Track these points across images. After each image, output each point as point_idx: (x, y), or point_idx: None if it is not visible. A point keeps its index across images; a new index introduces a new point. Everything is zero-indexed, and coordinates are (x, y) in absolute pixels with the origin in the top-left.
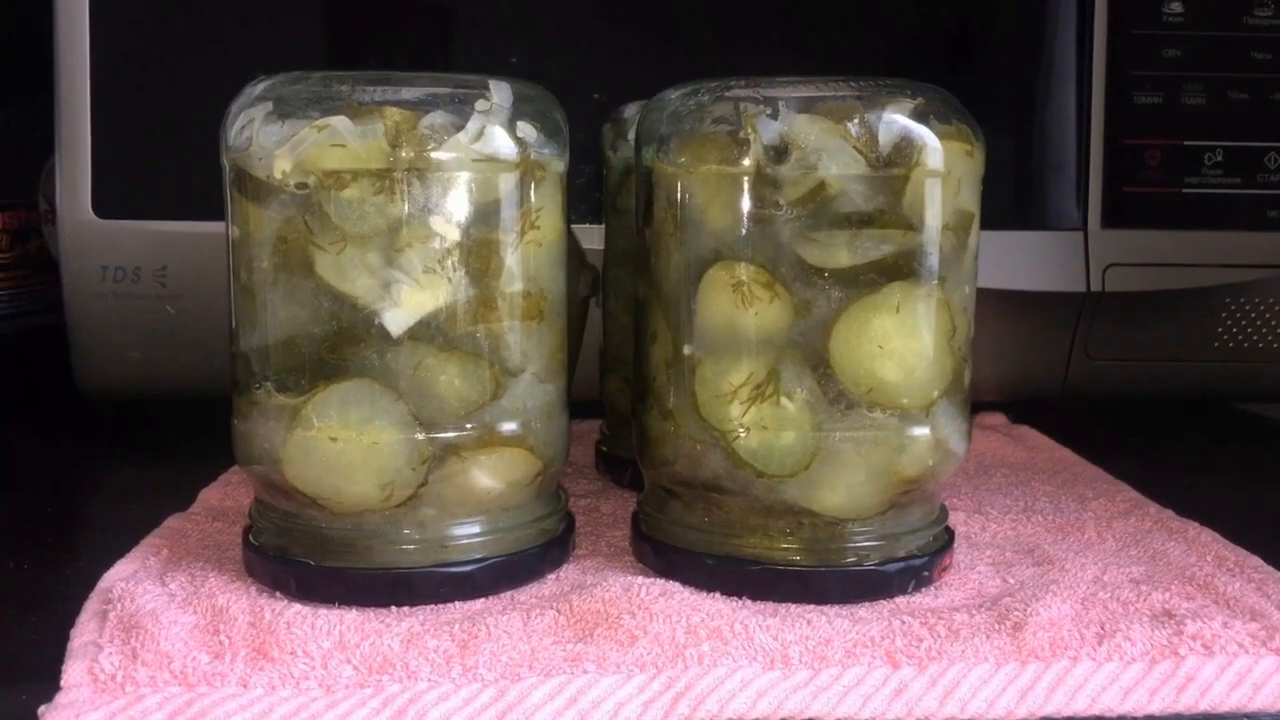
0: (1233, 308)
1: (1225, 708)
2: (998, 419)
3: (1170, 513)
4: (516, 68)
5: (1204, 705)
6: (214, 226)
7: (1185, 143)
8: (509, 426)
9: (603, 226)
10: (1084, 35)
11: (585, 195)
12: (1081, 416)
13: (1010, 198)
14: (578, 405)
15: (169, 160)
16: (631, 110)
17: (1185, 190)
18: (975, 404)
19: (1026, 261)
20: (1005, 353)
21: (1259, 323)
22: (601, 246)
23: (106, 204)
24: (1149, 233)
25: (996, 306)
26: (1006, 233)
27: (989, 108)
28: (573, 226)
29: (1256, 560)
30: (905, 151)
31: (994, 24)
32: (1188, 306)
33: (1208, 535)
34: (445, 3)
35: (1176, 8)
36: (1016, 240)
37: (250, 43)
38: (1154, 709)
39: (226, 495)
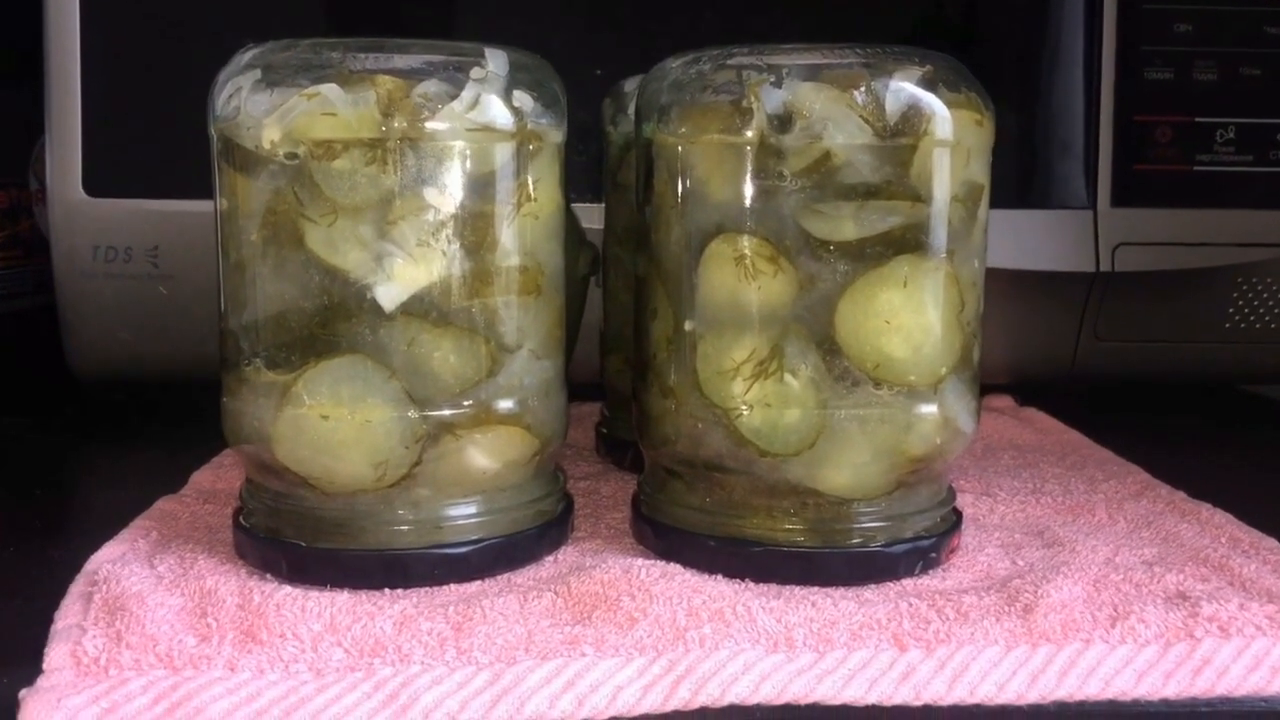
0: (1244, 287)
1: (1242, 691)
2: (1005, 401)
3: (1182, 494)
4: (515, 42)
5: (1220, 689)
6: (207, 205)
7: (1197, 120)
8: (505, 404)
9: (603, 205)
10: (1093, 10)
11: (585, 173)
12: (1090, 398)
13: (1018, 176)
14: (577, 386)
15: (160, 138)
16: (631, 84)
17: (1196, 168)
18: (982, 386)
19: (1035, 241)
20: (1013, 334)
21: (1271, 303)
22: (601, 225)
23: (97, 183)
24: (1159, 211)
25: (1004, 286)
26: (1014, 211)
27: (997, 84)
28: (572, 205)
29: (1272, 541)
30: (913, 120)
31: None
32: (1198, 286)
33: (1221, 516)
34: None
35: None
36: (1024, 219)
37: (242, 17)
38: (1169, 693)
39: (218, 477)
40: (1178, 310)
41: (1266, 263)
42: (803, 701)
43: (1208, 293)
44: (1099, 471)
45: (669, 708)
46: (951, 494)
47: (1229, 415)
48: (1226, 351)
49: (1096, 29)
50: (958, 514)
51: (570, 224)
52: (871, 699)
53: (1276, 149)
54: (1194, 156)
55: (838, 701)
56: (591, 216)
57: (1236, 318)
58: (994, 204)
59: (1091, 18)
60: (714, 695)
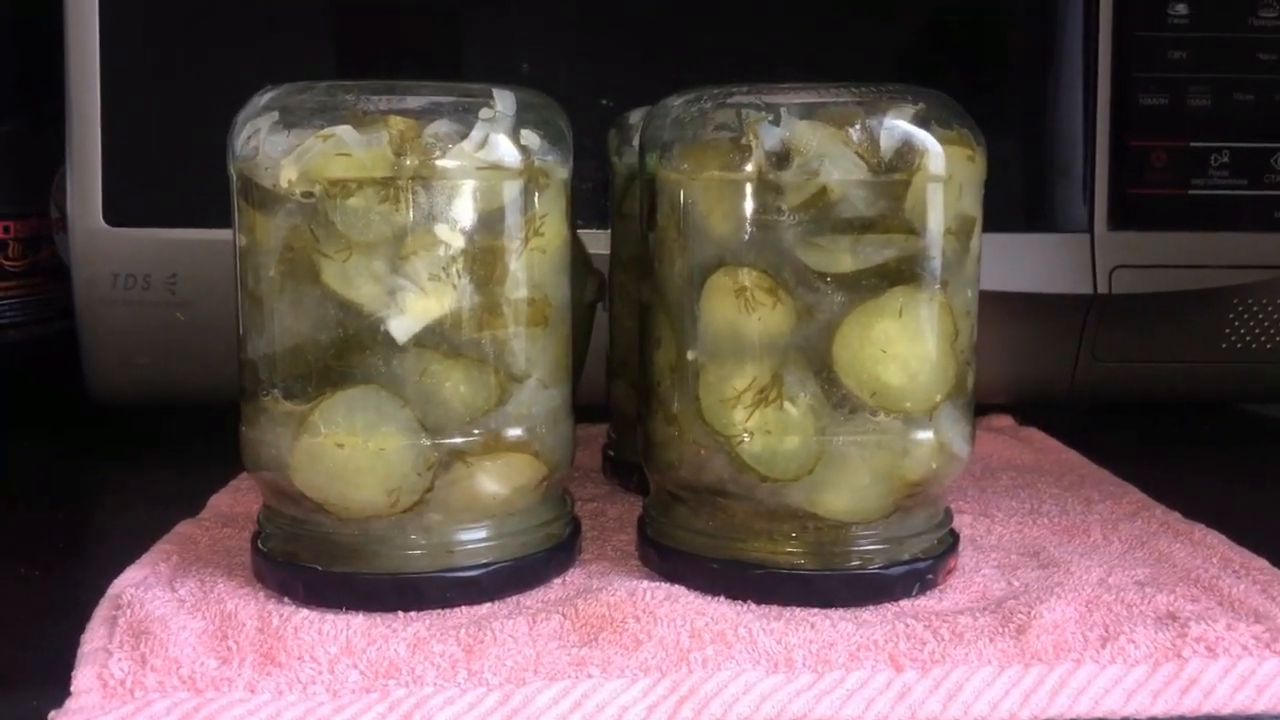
0: (1240, 309)
1: (1229, 710)
2: (1005, 421)
3: (1177, 515)
4: (527, 75)
5: (1207, 708)
6: (223, 234)
7: (1191, 144)
8: (514, 432)
9: (609, 232)
10: (1090, 38)
11: (593, 200)
12: (1089, 419)
13: (1017, 200)
14: (585, 409)
15: (178, 168)
16: (636, 116)
17: (1191, 192)
18: (983, 406)
19: (1033, 264)
20: (1012, 355)
21: (1266, 324)
22: (607, 251)
23: (117, 212)
24: (1155, 234)
25: (1004, 309)
26: (1013, 235)
27: (996, 111)
28: (579, 232)
29: (1262, 562)
30: (907, 157)
31: (1000, 28)
32: (1194, 308)
33: (1214, 537)
34: (455, 11)
35: (1182, 9)
36: (1023, 243)
37: (260, 53)
38: (1157, 712)
39: (236, 501)
40: (1175, 331)
41: (1262, 284)
42: None
43: (1204, 314)
44: (1095, 492)
45: None
46: (949, 516)
47: (1228, 434)
48: (1224, 371)
49: (1093, 56)
50: (955, 536)
51: (577, 252)
52: (868, 718)
53: (1270, 172)
54: (1189, 180)
55: None
56: (598, 243)
57: (1233, 338)
58: (994, 228)
59: (1088, 45)
60: (716, 715)
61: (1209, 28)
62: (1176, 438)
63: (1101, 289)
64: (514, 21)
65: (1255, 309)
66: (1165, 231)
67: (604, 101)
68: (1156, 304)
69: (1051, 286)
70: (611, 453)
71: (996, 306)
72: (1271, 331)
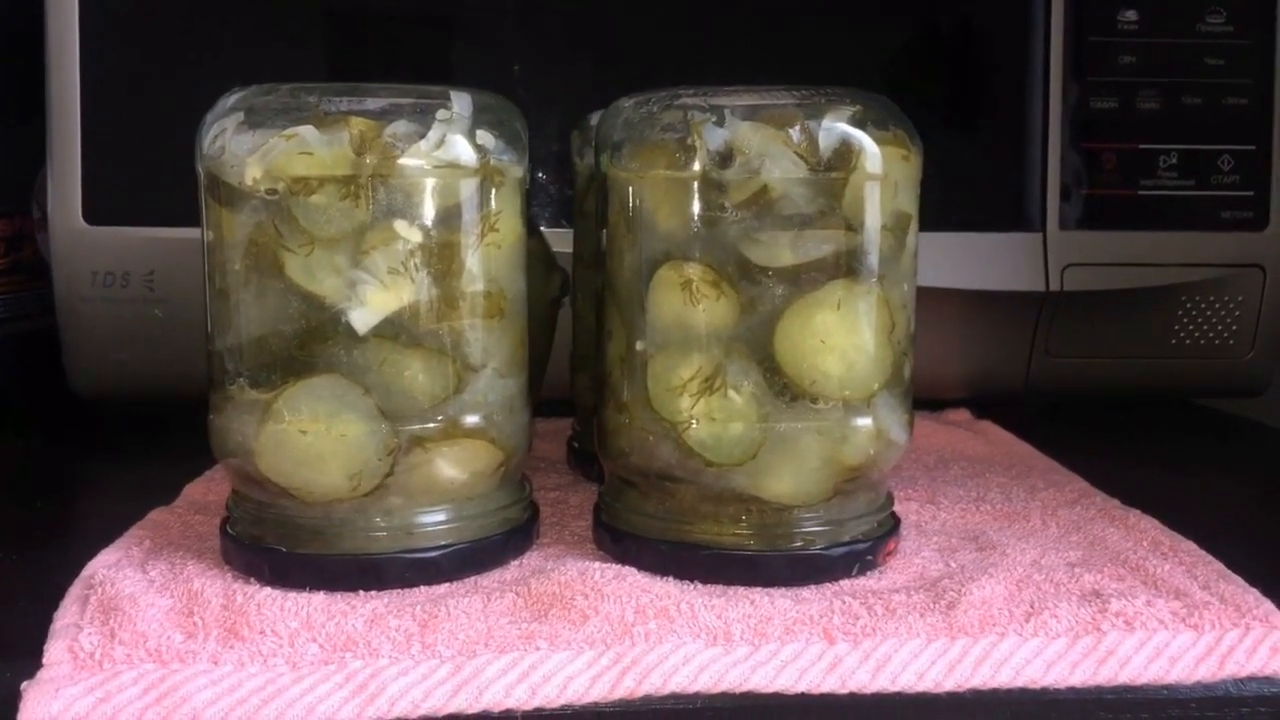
0: (1188, 305)
1: (1143, 680)
2: (962, 415)
3: (1115, 501)
4: (501, 79)
5: (1123, 678)
6: (199, 233)
7: (1140, 146)
8: (471, 419)
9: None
10: (1045, 43)
11: (559, 200)
12: (1044, 412)
13: (973, 200)
14: (552, 403)
15: (156, 169)
16: (596, 119)
17: (1141, 192)
18: (941, 400)
19: (988, 262)
20: (969, 351)
21: (1213, 320)
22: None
23: (96, 211)
24: (1106, 234)
25: (960, 306)
26: (969, 234)
27: (954, 115)
28: (544, 231)
29: (1190, 545)
30: (844, 156)
31: (960, 35)
32: (1144, 305)
33: (1147, 522)
34: (440, 18)
35: (1131, 16)
36: (978, 242)
37: (240, 58)
38: (1075, 681)
39: (209, 490)
40: (1125, 328)
41: (1208, 282)
42: (738, 690)
43: (1153, 311)
44: (1040, 480)
45: (615, 696)
46: (890, 500)
47: (1176, 426)
48: (1173, 366)
49: (1046, 61)
50: (895, 519)
51: (542, 249)
52: (801, 688)
53: (1216, 173)
54: (1138, 181)
55: (770, 690)
56: (564, 241)
57: (1181, 334)
58: (950, 227)
59: (1043, 51)
60: (656, 685)
61: (1158, 33)
62: (1126, 430)
63: (1054, 286)
64: (499, 31)
65: (1203, 306)
66: (1115, 231)
67: (571, 106)
68: (1107, 301)
69: (1006, 284)
70: (575, 444)
71: (953, 303)
72: (1219, 328)
